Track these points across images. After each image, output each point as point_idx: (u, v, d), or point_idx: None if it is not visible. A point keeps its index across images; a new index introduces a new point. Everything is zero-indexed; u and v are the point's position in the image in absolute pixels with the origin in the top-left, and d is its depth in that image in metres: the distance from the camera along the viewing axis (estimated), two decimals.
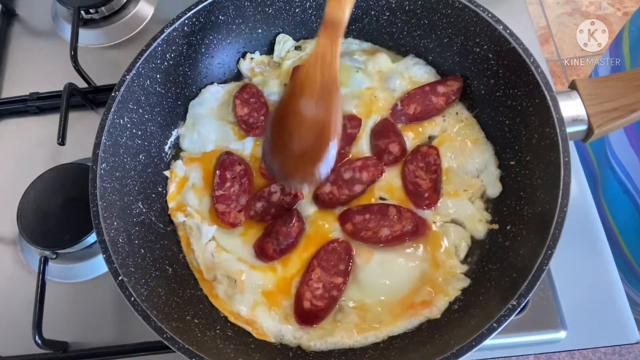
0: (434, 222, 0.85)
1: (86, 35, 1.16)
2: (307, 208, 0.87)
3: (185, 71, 0.95)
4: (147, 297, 0.73)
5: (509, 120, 0.86)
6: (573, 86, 0.79)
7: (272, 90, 0.98)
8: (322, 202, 0.87)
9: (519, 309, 0.66)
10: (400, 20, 0.96)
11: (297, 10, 0.98)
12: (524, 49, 0.80)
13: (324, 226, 0.86)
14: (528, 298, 0.67)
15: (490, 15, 0.84)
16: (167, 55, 0.90)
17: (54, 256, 0.93)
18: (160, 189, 0.91)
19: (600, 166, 1.28)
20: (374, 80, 0.96)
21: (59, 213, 0.92)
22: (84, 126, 1.03)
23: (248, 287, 0.82)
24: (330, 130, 0.75)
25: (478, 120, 0.92)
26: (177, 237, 0.89)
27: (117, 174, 0.82)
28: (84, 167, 0.94)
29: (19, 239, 0.97)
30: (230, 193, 0.88)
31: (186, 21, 0.89)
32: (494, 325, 0.66)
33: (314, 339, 0.79)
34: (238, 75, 1.02)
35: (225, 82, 1.01)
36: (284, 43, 1.01)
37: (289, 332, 0.80)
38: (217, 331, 0.79)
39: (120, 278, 0.71)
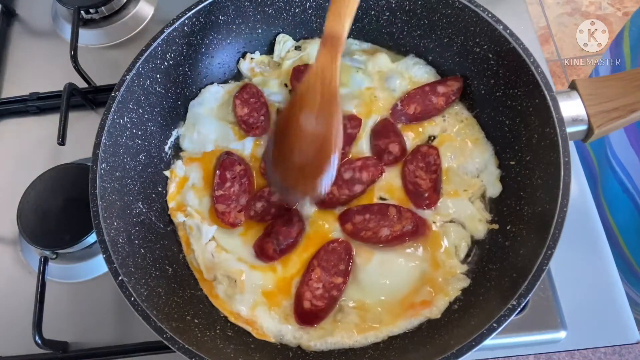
0: (434, 222, 0.85)
1: (86, 35, 1.16)
2: (307, 208, 0.87)
3: (185, 71, 0.95)
4: (147, 297, 0.73)
5: (509, 120, 0.86)
6: (573, 86, 0.79)
7: (272, 90, 0.98)
8: (322, 202, 0.87)
9: (519, 309, 0.66)
10: (400, 20, 0.96)
11: (297, 10, 0.98)
12: (524, 49, 0.80)
13: (324, 226, 0.86)
14: (528, 298, 0.67)
15: (490, 15, 0.84)
16: (167, 55, 0.90)
17: (54, 256, 0.93)
18: (160, 189, 0.91)
19: (600, 166, 1.28)
20: (374, 80, 0.96)
21: (59, 213, 0.92)
22: (84, 126, 1.03)
23: (248, 287, 0.82)
24: (331, 144, 0.75)
25: (478, 120, 0.92)
26: (177, 237, 0.89)
27: (117, 174, 0.82)
28: (84, 167, 0.94)
29: (19, 239, 0.97)
30: (230, 193, 0.88)
31: (186, 21, 0.89)
32: (494, 325, 0.66)
33: (314, 339, 0.79)
34: (238, 75, 1.02)
35: (225, 82, 1.01)
36: (284, 43, 1.01)
37: (289, 332, 0.80)
38: (217, 331, 0.79)
39: (120, 278, 0.71)
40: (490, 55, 0.87)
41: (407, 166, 0.89)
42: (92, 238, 0.91)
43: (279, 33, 1.01)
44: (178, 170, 0.92)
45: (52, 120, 1.06)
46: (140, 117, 0.88)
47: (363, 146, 0.91)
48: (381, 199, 0.88)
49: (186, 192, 0.90)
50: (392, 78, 0.95)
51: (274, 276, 0.83)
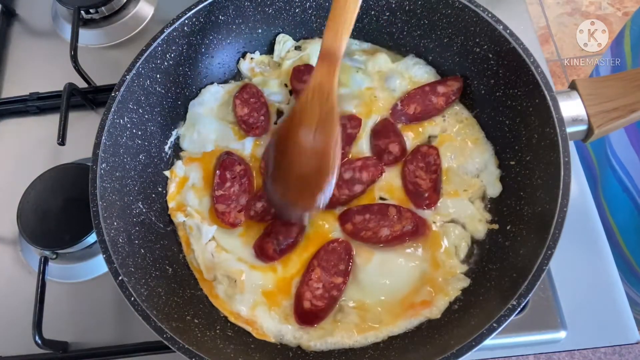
0: (434, 222, 0.85)
1: (86, 35, 1.16)
2: (307, 220, 0.86)
3: (185, 71, 0.95)
4: (147, 297, 0.73)
5: (509, 120, 0.86)
6: (573, 86, 0.79)
7: (272, 90, 0.98)
8: None
9: (519, 309, 0.66)
10: (400, 20, 0.96)
11: (297, 10, 0.98)
12: (524, 49, 0.80)
13: (324, 226, 0.86)
14: (528, 298, 0.67)
15: (490, 15, 0.84)
16: (167, 55, 0.90)
17: (54, 256, 0.93)
18: (160, 189, 0.91)
19: (600, 165, 1.28)
20: (374, 80, 0.96)
21: (59, 213, 0.92)
22: (84, 126, 1.03)
23: (248, 287, 0.82)
24: (330, 159, 0.76)
25: (478, 120, 0.92)
26: (177, 237, 0.89)
27: (117, 174, 0.82)
28: (84, 167, 0.94)
29: (19, 239, 0.97)
30: (230, 193, 0.88)
31: (186, 21, 0.89)
32: (494, 325, 0.66)
33: (314, 339, 0.79)
34: (238, 75, 1.02)
35: (225, 82, 1.01)
36: (284, 43, 1.01)
37: (289, 332, 0.80)
38: (217, 331, 0.79)
39: (120, 278, 0.71)
40: (490, 55, 0.87)
41: (407, 166, 0.89)
42: (92, 238, 0.91)
43: (279, 33, 1.01)
44: (178, 170, 0.92)
45: (52, 120, 1.06)
46: (140, 117, 0.88)
47: (363, 146, 0.91)
48: (381, 199, 0.88)
49: (186, 192, 0.90)
50: (392, 78, 0.95)
51: (274, 276, 0.83)
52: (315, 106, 0.77)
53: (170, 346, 0.67)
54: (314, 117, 0.77)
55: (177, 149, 0.96)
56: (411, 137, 0.92)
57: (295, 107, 0.80)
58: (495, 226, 0.84)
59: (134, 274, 0.75)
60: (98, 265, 0.93)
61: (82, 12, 1.14)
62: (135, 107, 0.86)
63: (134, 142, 0.87)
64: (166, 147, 0.94)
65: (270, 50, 1.02)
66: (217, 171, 0.89)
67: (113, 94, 0.82)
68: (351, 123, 0.91)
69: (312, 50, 0.99)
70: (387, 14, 0.96)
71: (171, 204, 0.90)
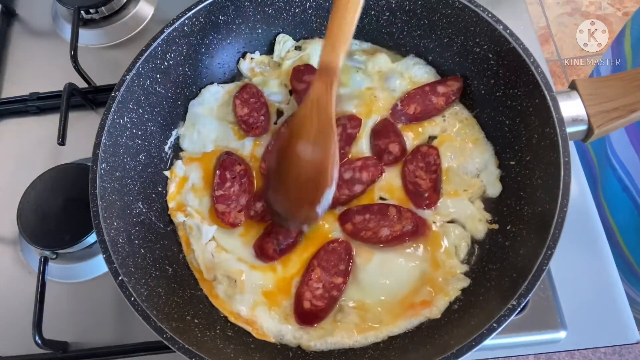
0: (434, 222, 0.85)
1: (86, 35, 1.16)
2: (306, 229, 0.87)
3: (185, 71, 0.95)
4: (147, 297, 0.73)
5: (509, 120, 0.86)
6: (573, 86, 0.79)
7: (272, 90, 0.98)
8: None
9: (519, 309, 0.66)
10: (400, 20, 0.96)
11: (297, 10, 0.98)
12: (524, 49, 0.80)
13: (324, 226, 0.86)
14: (528, 298, 0.67)
15: (490, 15, 0.84)
16: (167, 55, 0.90)
17: (54, 256, 0.93)
18: (160, 189, 0.91)
19: (600, 164, 1.28)
20: (374, 80, 0.96)
21: (59, 213, 0.92)
22: (84, 126, 1.03)
23: (248, 287, 0.82)
24: (328, 171, 0.77)
25: (478, 120, 0.92)
26: (177, 237, 0.89)
27: (117, 174, 0.82)
28: (84, 167, 0.94)
29: (19, 239, 0.97)
30: (230, 193, 0.88)
31: (186, 21, 0.89)
32: (494, 325, 0.66)
33: (314, 339, 0.79)
34: (238, 75, 1.02)
35: (225, 82, 1.01)
36: (284, 43, 1.01)
37: (289, 332, 0.80)
38: (217, 331, 0.79)
39: (120, 278, 0.71)
40: (490, 55, 0.87)
41: (407, 166, 0.89)
42: (92, 238, 0.91)
43: (279, 33, 1.01)
44: (178, 170, 0.92)
45: (52, 120, 1.06)
46: (140, 117, 0.88)
47: (363, 146, 0.91)
48: (381, 199, 0.88)
49: (186, 192, 0.90)
50: (392, 78, 0.95)
51: (274, 276, 0.83)
52: (314, 119, 0.78)
53: (170, 346, 0.67)
54: (312, 130, 0.78)
55: (177, 149, 0.96)
56: (411, 137, 0.92)
57: (293, 120, 0.81)
58: (495, 226, 0.84)
59: (134, 274, 0.75)
60: (98, 265, 0.93)
61: (82, 12, 1.14)
62: (135, 107, 0.86)
63: (134, 142, 0.87)
64: (166, 147, 0.94)
65: (270, 50, 1.02)
66: (217, 171, 0.89)
67: (113, 94, 0.82)
68: (351, 123, 0.91)
69: (312, 50, 0.99)
70: (387, 14, 0.96)
71: (171, 204, 0.90)
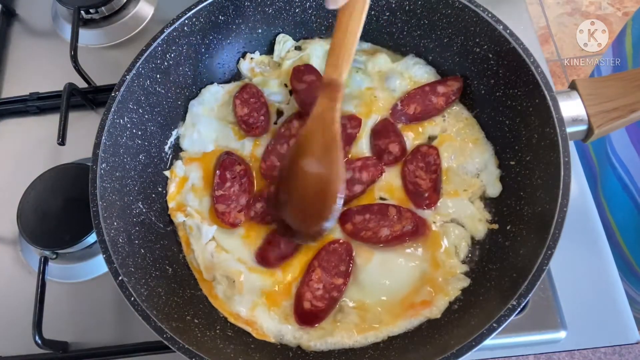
0: (434, 222, 0.85)
1: (86, 35, 1.15)
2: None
3: (185, 71, 0.95)
4: (147, 297, 0.73)
5: (509, 120, 0.86)
6: (573, 86, 0.79)
7: (272, 90, 0.98)
8: None
9: (519, 309, 0.66)
10: (400, 20, 0.96)
11: (297, 10, 0.98)
12: (524, 49, 0.80)
13: None
14: (528, 298, 0.67)
15: (490, 15, 0.84)
16: (167, 55, 0.90)
17: (54, 256, 0.93)
18: (160, 189, 0.91)
19: (600, 163, 1.28)
20: (374, 80, 0.96)
21: (59, 213, 0.92)
22: (84, 126, 1.03)
23: (247, 288, 0.82)
24: (335, 186, 0.78)
25: (478, 120, 0.92)
26: (177, 237, 0.89)
27: (117, 174, 0.82)
28: (84, 167, 0.94)
29: (19, 239, 0.97)
30: (230, 193, 0.88)
31: (186, 21, 0.89)
32: (494, 325, 0.66)
33: (314, 339, 0.79)
34: (238, 75, 1.02)
35: (225, 82, 1.01)
36: (284, 43, 1.01)
37: (289, 332, 0.80)
38: (217, 331, 0.79)
39: (120, 278, 0.71)
40: (490, 55, 0.87)
41: (407, 166, 0.89)
42: (92, 238, 0.91)
43: (279, 33, 1.01)
44: (178, 170, 0.92)
45: (52, 120, 1.06)
46: (140, 117, 0.88)
47: (363, 146, 0.91)
48: (381, 199, 0.88)
49: (186, 192, 0.90)
50: (392, 78, 0.95)
51: (274, 278, 0.83)
52: (319, 135, 0.79)
53: (170, 346, 0.67)
54: (317, 146, 0.79)
55: (177, 149, 0.95)
56: (411, 137, 0.92)
57: (299, 136, 0.82)
58: (495, 226, 0.84)
59: (134, 274, 0.75)
60: (98, 265, 0.93)
61: (82, 12, 1.14)
62: (135, 107, 0.86)
63: (134, 142, 0.87)
64: (166, 147, 0.94)
65: (270, 50, 1.02)
66: (217, 171, 0.89)
67: (113, 94, 0.82)
68: (351, 123, 0.91)
69: (312, 50, 0.99)
70: (387, 14, 0.96)
71: (171, 204, 0.90)
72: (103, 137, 0.80)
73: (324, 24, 1.00)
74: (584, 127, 0.77)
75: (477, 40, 0.87)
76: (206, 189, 0.90)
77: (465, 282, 0.81)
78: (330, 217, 0.80)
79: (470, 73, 0.92)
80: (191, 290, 0.84)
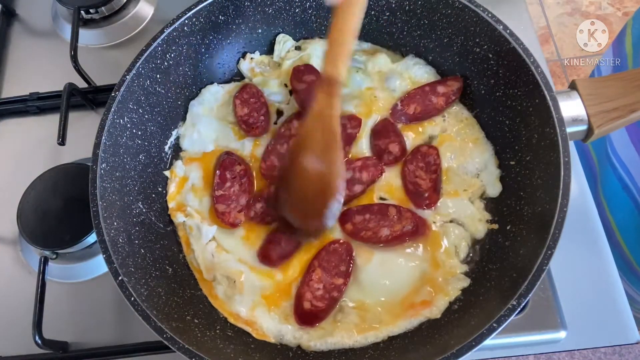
0: (434, 222, 0.85)
1: (86, 35, 1.15)
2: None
3: (185, 71, 0.95)
4: (147, 297, 0.73)
5: (509, 120, 0.86)
6: (573, 86, 0.79)
7: (272, 90, 0.98)
8: None
9: (519, 309, 0.66)
10: (400, 20, 0.96)
11: (297, 10, 0.98)
12: (524, 49, 0.80)
13: None
14: (528, 298, 0.67)
15: (490, 15, 0.84)
16: (167, 55, 0.90)
17: (54, 256, 0.93)
18: (160, 189, 0.91)
19: (600, 163, 1.28)
20: (374, 80, 0.96)
21: (59, 213, 0.92)
22: (84, 126, 1.03)
23: (247, 288, 0.82)
24: (335, 183, 0.78)
25: (478, 120, 0.92)
26: (177, 237, 0.89)
27: (117, 174, 0.82)
28: (84, 167, 0.94)
29: (19, 239, 0.97)
30: (230, 193, 0.88)
31: (186, 21, 0.89)
32: (494, 325, 0.66)
33: (314, 339, 0.79)
34: (238, 75, 1.02)
35: (225, 82, 1.01)
36: (284, 43, 1.01)
37: (289, 332, 0.80)
38: (217, 331, 0.79)
39: (120, 278, 0.71)
40: (490, 55, 0.87)
41: (407, 166, 0.89)
42: (92, 238, 0.91)
43: (279, 33, 1.01)
44: (178, 170, 0.92)
45: (52, 120, 1.06)
46: (140, 117, 0.88)
47: (363, 146, 0.91)
48: (381, 199, 0.88)
49: (186, 192, 0.90)
50: (392, 78, 0.95)
51: (274, 277, 0.83)
52: (317, 132, 0.79)
53: (170, 346, 0.67)
54: (317, 143, 0.79)
55: (177, 149, 0.96)
56: (411, 137, 0.92)
57: (299, 134, 0.82)
58: (495, 226, 0.84)
59: (134, 274, 0.75)
60: (98, 265, 0.93)
61: (82, 12, 1.14)
62: (135, 107, 0.86)
63: (134, 142, 0.87)
64: (166, 147, 0.94)
65: (270, 50, 1.02)
66: (217, 171, 0.89)
67: (113, 94, 0.82)
68: (351, 123, 0.91)
69: (312, 50, 0.99)
70: (387, 14, 0.96)
71: (171, 204, 0.90)
72: (103, 137, 0.80)
73: (324, 24, 1.00)
74: (584, 127, 0.77)
75: (477, 40, 0.87)
76: (206, 189, 0.90)
77: (465, 282, 0.81)
78: (330, 214, 0.80)
79: (470, 73, 0.92)
80: (191, 290, 0.84)
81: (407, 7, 0.93)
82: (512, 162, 0.85)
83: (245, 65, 1.01)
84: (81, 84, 1.05)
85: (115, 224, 0.77)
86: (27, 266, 0.95)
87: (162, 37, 0.87)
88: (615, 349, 0.83)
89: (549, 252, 0.68)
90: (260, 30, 1.00)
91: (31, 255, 0.95)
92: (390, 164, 0.89)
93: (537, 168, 0.79)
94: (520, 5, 1.14)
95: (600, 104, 0.77)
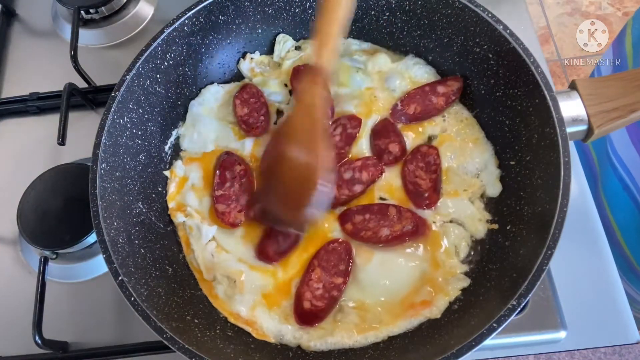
0: (434, 222, 0.85)
1: (86, 35, 1.16)
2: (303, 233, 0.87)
3: (185, 71, 0.95)
4: (147, 297, 0.73)
5: (509, 120, 0.86)
6: (573, 86, 0.79)
7: (272, 90, 0.98)
8: None
9: (519, 309, 0.66)
10: (400, 20, 0.96)
11: (297, 10, 0.98)
12: (524, 49, 0.80)
13: (323, 226, 0.86)
14: (528, 298, 0.67)
15: (490, 15, 0.84)
16: (167, 55, 0.90)
17: (54, 256, 0.93)
18: (160, 189, 0.91)
19: (600, 163, 1.28)
20: (374, 80, 0.96)
21: (59, 213, 0.92)
22: (84, 126, 1.03)
23: (247, 288, 0.82)
24: (317, 171, 0.75)
25: (478, 120, 0.92)
26: (177, 237, 0.89)
27: (117, 174, 0.82)
28: (84, 167, 0.94)
29: (19, 239, 0.97)
30: (230, 193, 0.88)
31: (186, 21, 0.89)
32: (494, 325, 0.66)
33: (314, 339, 0.79)
34: (238, 75, 1.02)
35: (225, 82, 1.01)
36: (284, 43, 1.01)
37: (289, 332, 0.80)
38: (217, 331, 0.79)
39: (120, 278, 0.71)
40: (490, 55, 0.87)
41: (407, 166, 0.89)
42: (92, 238, 0.91)
43: (279, 33, 1.01)
44: (178, 170, 0.92)
45: (52, 120, 1.06)
46: (140, 117, 0.88)
47: (363, 146, 0.91)
48: (381, 199, 0.88)
49: (186, 192, 0.90)
50: (392, 78, 0.95)
51: (274, 276, 0.83)
52: (301, 120, 0.78)
53: (170, 346, 0.67)
54: (300, 131, 0.78)
55: (177, 149, 0.96)
56: (411, 137, 0.92)
57: (283, 122, 0.81)
58: (495, 226, 0.84)
59: (134, 274, 0.75)
60: (98, 265, 0.93)
61: (82, 12, 1.14)
62: (135, 107, 0.86)
63: (134, 142, 0.87)
64: (166, 147, 0.94)
65: (270, 50, 1.02)
66: (217, 171, 0.89)
67: (113, 94, 0.82)
68: (351, 123, 0.91)
69: (312, 50, 0.99)
70: (387, 14, 0.96)
71: (171, 204, 0.90)
72: (103, 137, 0.80)
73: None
74: (584, 127, 0.77)
75: (477, 40, 0.87)
76: (206, 189, 0.90)
77: (465, 282, 0.81)
78: (313, 204, 0.77)
79: (470, 73, 0.92)
80: (191, 290, 0.84)
81: (407, 7, 0.93)
82: (512, 162, 0.85)
83: (245, 65, 1.01)
84: (81, 84, 1.05)
85: (115, 224, 0.77)
86: (27, 266, 0.95)
87: (162, 37, 0.87)
88: (615, 349, 0.83)
89: (549, 252, 0.68)
90: (260, 30, 1.00)
91: (31, 255, 0.95)
92: (390, 164, 0.89)
93: (537, 168, 0.79)
94: (520, 5, 1.14)
95: (600, 104, 0.77)
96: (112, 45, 1.17)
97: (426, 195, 0.86)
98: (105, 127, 0.80)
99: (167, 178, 0.92)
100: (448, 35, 0.92)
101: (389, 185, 0.89)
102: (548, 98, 0.76)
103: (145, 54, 0.86)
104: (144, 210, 0.86)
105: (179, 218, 0.88)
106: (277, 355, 0.78)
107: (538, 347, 0.83)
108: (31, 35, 1.21)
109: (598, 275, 0.88)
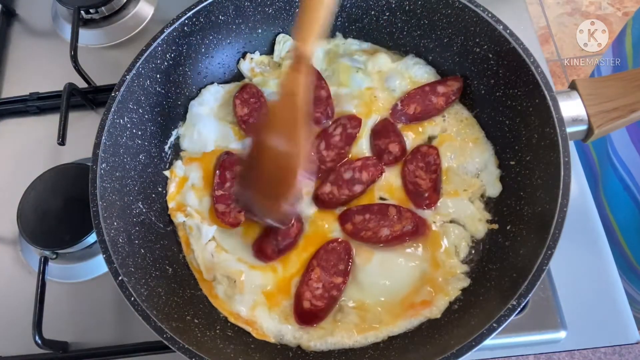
0: (434, 222, 0.85)
1: (86, 35, 1.16)
2: (307, 209, 0.87)
3: (185, 71, 0.95)
4: (147, 297, 0.73)
5: (509, 120, 0.86)
6: (573, 86, 0.79)
7: (272, 90, 0.97)
8: (322, 202, 0.87)
9: (519, 309, 0.66)
10: (400, 20, 0.96)
11: (297, 10, 0.98)
12: (524, 49, 0.80)
13: (323, 226, 0.86)
14: (528, 298, 0.67)
15: (490, 15, 0.84)
16: (167, 55, 0.90)
17: (54, 256, 0.93)
18: (160, 189, 0.91)
19: (601, 163, 1.28)
20: (374, 80, 0.96)
21: (59, 213, 0.92)
22: (84, 126, 1.03)
23: (247, 288, 0.82)
24: (297, 162, 0.75)
25: (478, 120, 0.92)
26: (177, 237, 0.89)
27: (117, 174, 0.82)
28: (84, 167, 0.94)
29: (19, 239, 0.97)
30: (230, 193, 0.88)
31: (186, 21, 0.89)
32: (494, 325, 0.66)
33: (314, 339, 0.79)
34: (238, 75, 1.02)
35: (225, 82, 1.01)
36: (284, 43, 1.01)
37: (289, 332, 0.80)
38: (217, 331, 0.79)
39: (120, 278, 0.71)
40: (490, 55, 0.87)
41: (407, 166, 0.89)
42: (92, 238, 0.91)
43: (279, 33, 1.01)
44: (178, 170, 0.92)
45: (52, 120, 1.06)
46: (140, 117, 0.88)
47: (363, 146, 0.91)
48: (381, 199, 0.88)
49: (186, 192, 0.90)
50: (392, 78, 0.95)
51: (274, 276, 0.83)
52: (282, 108, 0.76)
53: (170, 346, 0.67)
54: (283, 121, 0.76)
55: (177, 149, 0.96)
56: (411, 137, 0.92)
57: (266, 111, 0.80)
58: (495, 226, 0.84)
59: (134, 274, 0.75)
60: (98, 265, 0.93)
61: (82, 12, 1.14)
62: (135, 107, 0.86)
63: (134, 142, 0.87)
64: (166, 147, 0.94)
65: (270, 51, 1.02)
66: (217, 171, 0.89)
67: (113, 94, 0.82)
68: (351, 123, 0.91)
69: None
70: (387, 14, 0.96)
71: (171, 204, 0.90)
72: (103, 137, 0.80)
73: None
74: (584, 127, 0.77)
75: (477, 40, 0.87)
76: (206, 189, 0.90)
77: (465, 282, 0.81)
78: (293, 196, 0.77)
79: (470, 73, 0.92)
80: (191, 290, 0.84)
81: (407, 7, 0.93)
82: (512, 162, 0.85)
83: (245, 65, 1.01)
84: (81, 84, 1.05)
85: (115, 224, 0.77)
86: (27, 266, 0.95)
87: (162, 37, 0.87)
88: (615, 349, 0.83)
89: (549, 252, 0.68)
90: (260, 30, 1.00)
91: (31, 255, 0.95)
92: (390, 164, 0.89)
93: (537, 168, 0.79)
94: (520, 5, 1.14)
95: (600, 104, 0.77)
96: (112, 45, 1.17)
97: (426, 195, 0.86)
98: (105, 127, 0.80)
99: (167, 178, 0.92)
100: (448, 35, 0.92)
101: (389, 185, 0.89)
102: (548, 98, 0.76)
103: (145, 54, 0.86)
104: (144, 210, 0.86)
105: (179, 218, 0.88)
106: (277, 355, 0.78)
107: (538, 347, 0.83)
108: (31, 35, 1.21)
109: (598, 275, 0.88)
